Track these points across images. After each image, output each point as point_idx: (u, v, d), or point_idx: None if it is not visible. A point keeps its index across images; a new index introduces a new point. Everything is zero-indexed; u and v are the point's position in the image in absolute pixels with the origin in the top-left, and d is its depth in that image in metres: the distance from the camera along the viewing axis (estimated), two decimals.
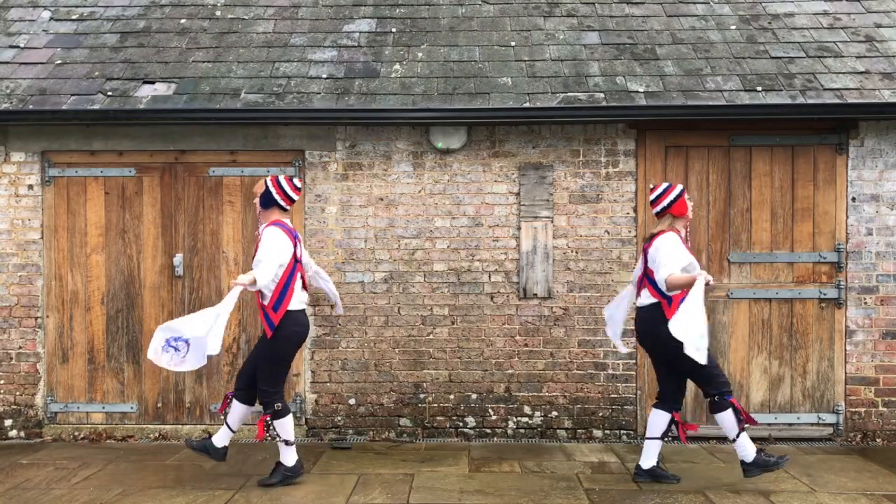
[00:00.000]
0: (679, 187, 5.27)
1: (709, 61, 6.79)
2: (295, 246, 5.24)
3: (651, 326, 5.26)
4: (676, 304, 5.09)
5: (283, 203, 5.27)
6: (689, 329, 4.83)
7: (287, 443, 5.31)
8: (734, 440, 5.22)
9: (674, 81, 6.56)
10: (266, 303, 5.18)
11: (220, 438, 5.45)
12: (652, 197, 5.33)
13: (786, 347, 6.63)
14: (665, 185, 5.34)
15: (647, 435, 5.42)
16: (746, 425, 5.19)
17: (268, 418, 5.25)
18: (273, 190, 5.24)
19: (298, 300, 5.27)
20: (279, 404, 5.25)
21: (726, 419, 5.18)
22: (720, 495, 5.16)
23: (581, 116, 6.47)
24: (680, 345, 4.87)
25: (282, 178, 5.29)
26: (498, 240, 6.69)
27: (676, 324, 4.87)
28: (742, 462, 5.23)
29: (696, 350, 4.84)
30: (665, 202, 5.25)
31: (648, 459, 5.42)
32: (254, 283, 5.01)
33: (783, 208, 6.64)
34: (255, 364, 5.35)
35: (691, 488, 5.29)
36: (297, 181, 5.35)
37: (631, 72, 6.70)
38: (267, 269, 5.04)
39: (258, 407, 5.39)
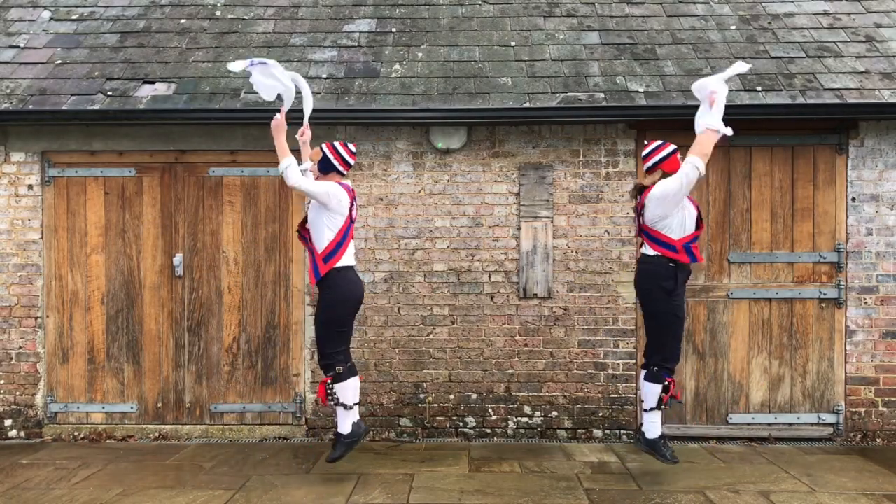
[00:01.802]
0: (671, 147, 5.32)
1: (709, 61, 6.79)
2: (351, 205, 5.30)
3: (648, 277, 5.34)
4: (682, 250, 5.21)
5: (340, 167, 5.37)
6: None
7: (346, 406, 5.30)
8: (646, 410, 5.38)
9: (674, 81, 6.57)
10: (319, 252, 5.23)
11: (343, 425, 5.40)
12: (644, 152, 5.41)
13: (786, 347, 6.63)
14: (658, 141, 5.38)
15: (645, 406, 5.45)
16: (664, 406, 5.34)
17: (329, 380, 5.28)
18: (330, 155, 5.35)
19: (350, 256, 5.32)
20: (340, 367, 5.26)
21: (651, 390, 5.33)
22: (720, 495, 5.16)
23: (581, 116, 6.47)
24: (662, 307, 5.20)
25: (337, 143, 5.41)
26: (498, 240, 6.69)
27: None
28: (642, 433, 5.45)
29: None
30: (657, 157, 5.30)
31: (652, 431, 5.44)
32: (285, 164, 5.12)
33: (783, 208, 6.64)
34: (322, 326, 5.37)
35: (691, 488, 5.29)
36: (352, 145, 5.45)
37: (631, 72, 6.70)
38: (299, 179, 5.13)
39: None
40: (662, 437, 5.43)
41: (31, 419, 6.74)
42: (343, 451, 5.39)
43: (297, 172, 5.16)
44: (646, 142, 5.51)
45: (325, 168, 5.39)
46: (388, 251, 6.69)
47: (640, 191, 5.40)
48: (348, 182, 5.44)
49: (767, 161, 6.65)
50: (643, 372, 5.46)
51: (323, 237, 5.24)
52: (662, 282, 5.23)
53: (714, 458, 6.06)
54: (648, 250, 5.35)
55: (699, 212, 5.36)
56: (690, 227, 5.28)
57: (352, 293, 5.34)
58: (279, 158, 5.20)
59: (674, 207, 5.18)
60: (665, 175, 5.26)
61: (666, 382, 5.29)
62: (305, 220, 5.42)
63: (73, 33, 7.27)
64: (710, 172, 6.64)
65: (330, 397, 5.28)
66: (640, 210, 5.37)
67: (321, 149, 5.40)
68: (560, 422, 6.64)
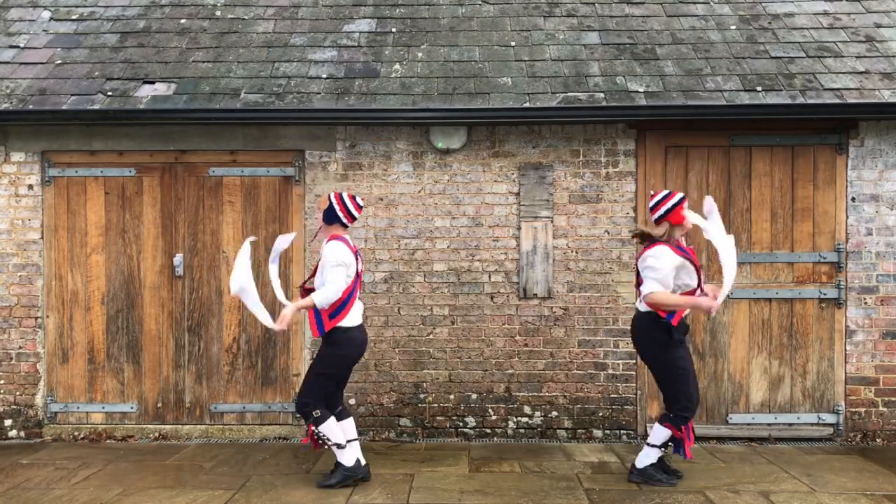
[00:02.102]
0: (678, 196, 5.15)
1: (709, 61, 6.79)
2: (357, 260, 5.21)
3: (640, 333, 5.28)
4: (677, 316, 5.09)
5: (344, 220, 5.26)
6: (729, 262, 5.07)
7: (339, 446, 5.24)
8: (649, 444, 5.31)
9: (674, 81, 6.57)
10: (325, 308, 5.11)
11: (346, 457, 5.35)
12: (651, 203, 5.23)
13: (786, 347, 6.63)
14: (665, 192, 5.22)
15: (649, 441, 5.37)
16: (664, 451, 5.30)
17: (312, 427, 5.19)
18: (337, 207, 5.23)
19: (357, 314, 5.23)
20: (317, 410, 5.15)
21: (661, 433, 5.25)
22: (720, 495, 5.16)
23: (581, 116, 6.47)
24: (663, 358, 5.12)
25: (345, 195, 5.27)
26: (498, 240, 6.69)
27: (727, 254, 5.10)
28: (633, 465, 5.42)
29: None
30: (662, 210, 5.14)
31: (644, 460, 5.39)
32: (311, 305, 5.07)
33: (783, 208, 6.64)
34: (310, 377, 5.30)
35: (691, 488, 5.29)
36: (360, 199, 5.33)
37: (631, 72, 6.70)
38: (331, 294, 5.04)
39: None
40: (653, 463, 5.35)
41: (31, 419, 6.74)
42: (339, 479, 5.28)
43: (324, 294, 5.02)
44: (651, 192, 5.39)
45: (329, 218, 5.26)
46: (388, 251, 6.69)
47: (643, 240, 5.25)
48: (348, 236, 5.30)
49: (767, 161, 6.65)
50: (659, 414, 5.39)
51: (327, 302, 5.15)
52: (657, 339, 5.15)
53: (714, 458, 6.06)
54: (641, 305, 5.23)
55: (697, 268, 5.17)
56: (690, 284, 5.14)
57: (355, 352, 5.27)
58: (305, 306, 5.14)
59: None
60: (671, 227, 5.13)
61: (680, 431, 5.19)
62: (312, 276, 5.30)
63: (73, 33, 7.27)
64: (711, 172, 6.65)
65: (320, 441, 5.23)
66: (637, 264, 5.27)
67: (328, 197, 5.28)
68: (560, 422, 6.64)
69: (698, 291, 5.13)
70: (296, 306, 5.14)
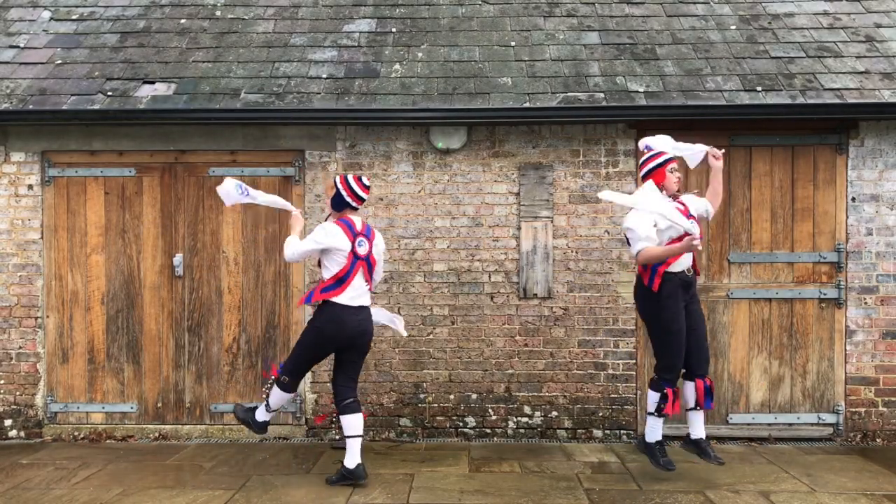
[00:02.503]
0: (664, 156, 5.30)
1: (709, 61, 6.79)
2: (353, 242, 5.23)
3: (636, 297, 5.46)
4: (649, 270, 5.20)
5: (353, 203, 5.32)
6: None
7: (268, 408, 5.47)
8: (648, 413, 5.41)
9: (674, 81, 6.57)
10: (322, 281, 5.31)
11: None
12: (641, 160, 5.43)
13: (786, 347, 6.63)
14: (653, 151, 5.36)
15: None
16: (665, 414, 5.34)
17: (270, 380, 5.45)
18: (343, 191, 5.29)
19: (351, 296, 5.24)
20: (285, 377, 5.36)
21: (651, 397, 5.36)
22: (720, 495, 5.16)
23: (581, 116, 6.47)
24: (652, 315, 5.25)
25: (350, 178, 5.32)
26: (498, 240, 6.69)
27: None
28: (641, 437, 5.54)
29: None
30: (647, 167, 5.32)
31: (697, 429, 5.45)
32: (288, 241, 5.32)
33: (783, 208, 6.64)
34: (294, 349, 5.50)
35: (691, 488, 5.29)
36: (365, 179, 5.37)
37: (631, 72, 6.70)
38: (288, 248, 5.29)
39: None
40: (660, 442, 5.41)
41: (31, 419, 6.74)
42: (338, 479, 5.38)
43: (291, 245, 5.28)
44: (641, 146, 5.50)
45: (337, 205, 5.33)
46: (388, 251, 6.68)
47: None
48: (356, 218, 5.34)
49: (767, 161, 6.65)
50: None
51: (327, 272, 5.29)
52: (648, 299, 5.28)
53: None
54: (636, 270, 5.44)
55: (686, 215, 5.18)
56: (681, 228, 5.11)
57: (336, 331, 5.24)
58: (285, 246, 5.32)
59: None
60: (655, 187, 5.22)
61: (664, 392, 5.27)
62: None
63: (73, 33, 7.27)
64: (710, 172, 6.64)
65: (265, 394, 5.45)
66: None
67: (334, 182, 5.34)
68: (560, 422, 6.64)
69: (688, 238, 5.08)
70: (294, 216, 5.45)
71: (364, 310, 5.33)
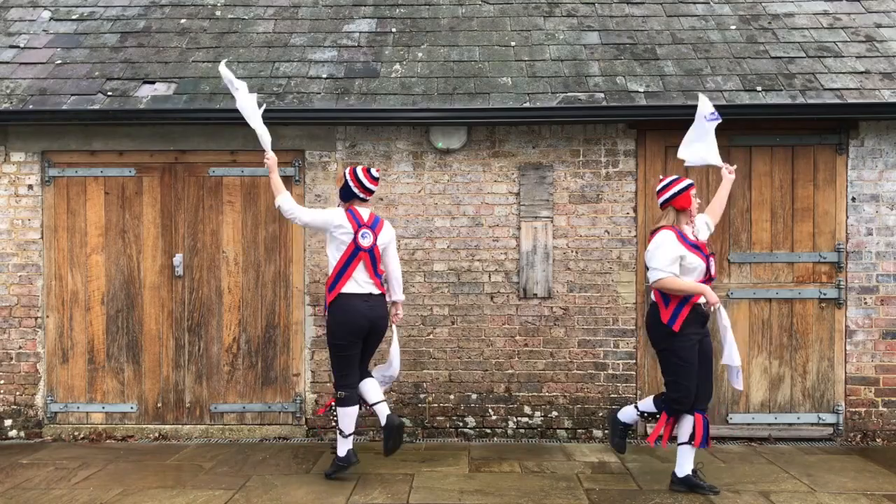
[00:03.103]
0: (686, 181, 5.14)
1: (709, 61, 6.79)
2: (356, 232, 5.30)
3: (648, 325, 5.27)
4: (672, 307, 5.03)
5: (361, 195, 5.41)
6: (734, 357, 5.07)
7: (341, 433, 5.41)
8: (683, 443, 5.20)
9: (674, 81, 6.57)
10: (328, 280, 5.39)
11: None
12: (658, 187, 5.22)
13: (786, 347, 6.63)
14: (673, 177, 5.20)
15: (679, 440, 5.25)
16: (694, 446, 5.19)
17: (332, 403, 5.49)
18: (351, 183, 5.38)
19: (357, 283, 5.32)
20: (342, 392, 5.38)
21: (689, 425, 5.16)
22: (720, 495, 5.15)
23: (581, 116, 6.47)
24: (666, 348, 5.09)
25: (359, 169, 5.41)
26: (498, 240, 6.69)
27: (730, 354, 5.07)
28: (673, 476, 5.27)
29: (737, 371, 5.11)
30: (668, 194, 5.12)
31: (682, 467, 5.25)
32: (280, 199, 5.42)
33: (783, 208, 6.64)
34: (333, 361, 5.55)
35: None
36: (374, 171, 5.46)
37: (631, 72, 6.70)
38: (280, 199, 5.40)
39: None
40: (694, 471, 5.27)
41: (31, 419, 6.74)
42: (333, 471, 5.49)
43: (290, 204, 5.39)
44: (660, 176, 5.33)
45: (346, 195, 5.42)
46: None
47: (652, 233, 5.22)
48: (364, 209, 5.43)
49: (767, 161, 6.65)
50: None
51: (329, 265, 5.39)
52: (661, 329, 5.10)
53: (714, 458, 6.05)
54: (652, 297, 5.22)
55: (708, 262, 5.10)
56: (694, 277, 5.07)
57: (353, 319, 5.31)
58: (275, 193, 5.44)
59: None
60: (677, 213, 5.11)
61: (662, 411, 5.18)
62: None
63: (73, 33, 7.27)
64: (711, 172, 6.63)
65: (330, 415, 5.44)
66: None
67: (343, 174, 5.43)
68: (560, 422, 6.64)
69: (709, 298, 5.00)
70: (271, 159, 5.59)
71: (374, 296, 5.40)
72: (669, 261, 4.98)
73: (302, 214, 5.40)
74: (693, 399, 5.10)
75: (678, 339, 5.05)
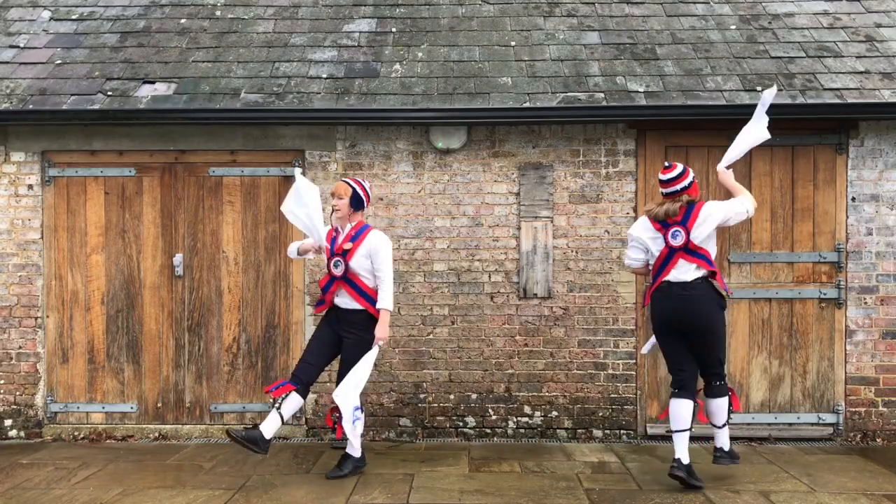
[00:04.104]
0: (692, 174, 5.32)
1: (709, 61, 6.79)
2: (332, 240, 5.54)
3: (704, 302, 5.17)
4: (720, 273, 5.29)
5: (367, 204, 5.62)
6: None
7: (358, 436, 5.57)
8: (721, 426, 5.36)
9: (674, 81, 6.57)
10: (369, 296, 5.42)
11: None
12: (669, 175, 5.22)
13: (786, 347, 6.63)
14: (681, 166, 5.27)
15: (674, 428, 5.27)
16: (732, 418, 5.42)
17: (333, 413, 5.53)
18: (360, 192, 5.52)
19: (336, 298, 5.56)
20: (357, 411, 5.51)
21: (721, 404, 5.32)
22: (720, 495, 5.16)
23: (581, 116, 6.47)
24: (721, 321, 5.22)
25: (364, 181, 5.62)
26: (498, 240, 6.69)
27: None
28: (720, 449, 5.40)
29: None
30: (685, 181, 5.22)
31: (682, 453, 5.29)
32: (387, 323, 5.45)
33: (783, 208, 6.64)
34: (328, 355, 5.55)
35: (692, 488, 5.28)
36: (367, 184, 5.70)
37: (631, 72, 6.70)
38: (391, 284, 5.46)
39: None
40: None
41: (31, 419, 6.74)
42: (349, 470, 5.54)
43: (389, 300, 5.42)
44: (666, 164, 5.32)
45: (357, 205, 5.52)
46: None
47: (674, 213, 5.20)
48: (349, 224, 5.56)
49: (767, 161, 6.65)
50: (705, 388, 5.36)
51: (371, 280, 5.49)
52: (720, 303, 5.24)
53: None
54: (693, 273, 5.17)
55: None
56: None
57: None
58: (385, 334, 5.46)
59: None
60: (690, 200, 5.24)
61: (730, 394, 5.33)
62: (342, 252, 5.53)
63: (73, 33, 7.27)
64: (711, 172, 6.63)
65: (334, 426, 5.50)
66: (688, 227, 5.17)
67: (350, 185, 5.50)
68: (560, 422, 6.64)
69: None
70: (384, 324, 5.44)
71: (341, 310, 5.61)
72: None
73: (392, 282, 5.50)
74: None
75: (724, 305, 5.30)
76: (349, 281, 5.40)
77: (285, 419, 5.38)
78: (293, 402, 5.40)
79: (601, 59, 6.87)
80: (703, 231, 5.19)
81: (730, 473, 5.59)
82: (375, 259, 5.38)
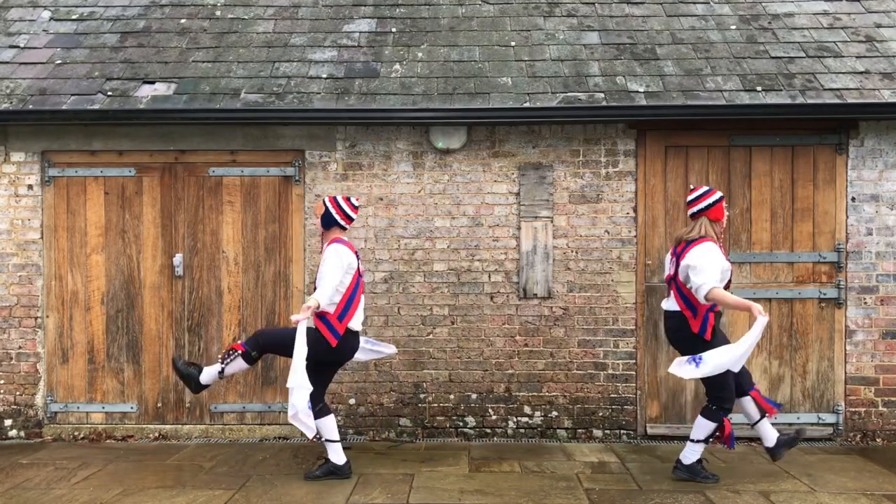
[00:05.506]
0: (718, 193, 5.31)
1: (709, 61, 6.79)
2: (358, 259, 5.36)
3: (675, 334, 5.37)
4: (701, 317, 5.16)
5: (342, 222, 5.40)
6: (725, 360, 4.99)
7: (330, 440, 5.44)
8: (693, 440, 5.36)
9: (674, 81, 6.57)
10: (332, 312, 5.23)
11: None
12: (690, 197, 5.35)
13: (786, 347, 6.63)
14: (706, 187, 5.36)
15: (693, 437, 5.37)
16: (710, 441, 5.35)
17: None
18: (333, 210, 5.37)
19: (358, 319, 5.38)
20: (320, 405, 5.37)
21: (705, 426, 5.29)
22: (720, 495, 5.16)
23: (581, 116, 6.47)
24: (701, 348, 5.11)
25: (339, 197, 5.43)
26: (498, 240, 6.69)
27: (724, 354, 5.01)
28: (679, 461, 5.42)
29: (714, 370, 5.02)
30: (703, 204, 5.26)
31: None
32: (317, 307, 5.11)
33: (783, 208, 6.64)
34: (285, 342, 5.24)
35: (691, 488, 5.28)
36: (355, 200, 5.50)
37: (631, 72, 6.70)
38: (327, 290, 5.12)
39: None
40: (700, 461, 5.43)
41: (31, 419, 6.74)
42: (323, 473, 5.48)
43: (322, 292, 5.11)
44: (692, 186, 5.46)
45: (327, 223, 5.39)
46: (388, 251, 6.69)
47: (688, 243, 5.25)
48: (345, 237, 5.44)
49: (767, 161, 6.65)
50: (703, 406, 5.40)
51: (332, 303, 5.23)
52: (693, 339, 5.23)
53: (714, 457, 6.04)
54: (671, 304, 5.32)
55: (731, 271, 5.37)
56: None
57: (347, 357, 5.45)
58: (309, 310, 5.08)
59: None
60: (710, 223, 5.24)
61: (722, 423, 5.28)
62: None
63: (73, 33, 7.27)
64: (711, 172, 6.65)
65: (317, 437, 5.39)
66: (679, 260, 5.25)
67: (323, 202, 5.41)
68: (560, 422, 6.64)
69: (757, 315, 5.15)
70: (305, 307, 5.10)
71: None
72: (718, 272, 5.11)
73: (326, 284, 5.14)
74: (734, 395, 5.30)
75: (710, 347, 5.14)
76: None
77: (224, 375, 5.37)
78: (238, 363, 5.36)
79: (601, 59, 6.87)
80: (685, 276, 5.23)
81: (730, 473, 5.59)
82: (320, 266, 5.25)
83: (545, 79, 6.64)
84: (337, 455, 5.49)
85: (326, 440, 5.46)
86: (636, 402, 6.63)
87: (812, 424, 6.61)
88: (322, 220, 5.40)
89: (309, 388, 5.06)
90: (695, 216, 5.32)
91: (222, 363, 5.35)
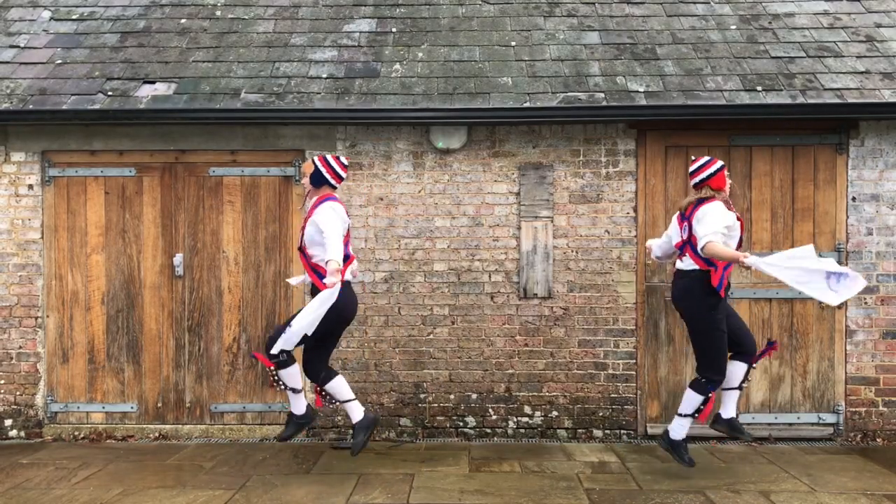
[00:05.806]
0: (720, 162, 5.34)
1: (709, 61, 6.79)
2: (348, 214, 5.46)
3: (685, 293, 5.36)
4: (720, 272, 5.21)
5: (332, 181, 5.43)
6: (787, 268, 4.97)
7: (294, 390, 5.45)
8: (680, 414, 5.44)
9: (674, 81, 6.57)
10: (319, 273, 5.27)
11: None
12: (692, 167, 5.39)
13: (786, 347, 6.63)
14: (707, 157, 5.39)
15: (725, 386, 5.46)
16: (696, 417, 5.43)
17: (272, 366, 5.32)
18: (322, 169, 5.40)
19: (350, 271, 5.42)
20: (284, 354, 5.28)
21: (693, 399, 5.37)
22: (720, 495, 5.16)
23: (581, 116, 6.47)
24: (706, 316, 5.21)
25: (329, 157, 5.47)
26: (498, 240, 6.69)
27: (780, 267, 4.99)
28: (666, 432, 5.52)
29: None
30: (705, 173, 5.29)
31: (727, 409, 5.53)
32: (338, 265, 4.98)
33: (783, 208, 6.64)
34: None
35: (691, 488, 5.29)
36: (344, 159, 5.54)
37: (631, 72, 6.69)
38: (337, 245, 5.06)
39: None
40: (685, 440, 5.48)
41: (32, 419, 6.74)
42: (293, 430, 5.59)
43: (332, 251, 5.01)
44: (693, 157, 5.50)
45: (317, 181, 5.42)
46: (389, 251, 6.69)
47: (696, 204, 5.32)
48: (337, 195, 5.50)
49: (768, 161, 6.65)
50: (692, 379, 5.48)
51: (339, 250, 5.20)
52: (707, 301, 5.24)
53: (714, 457, 6.06)
54: (688, 265, 5.32)
55: (741, 228, 5.39)
56: (731, 245, 5.28)
57: (351, 311, 5.44)
58: (335, 279, 4.98)
59: None
60: (714, 192, 5.27)
61: (708, 396, 5.32)
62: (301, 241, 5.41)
63: (74, 33, 7.27)
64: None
65: (276, 383, 5.39)
66: (690, 222, 5.30)
67: (313, 161, 5.44)
68: (560, 422, 6.64)
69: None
70: (332, 270, 4.96)
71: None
72: (721, 227, 5.14)
73: (331, 244, 5.06)
74: (725, 366, 5.39)
75: (721, 306, 5.26)
76: (303, 254, 5.37)
77: (289, 387, 5.42)
78: (285, 373, 5.38)
79: (601, 59, 6.87)
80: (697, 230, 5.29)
81: (730, 473, 5.59)
82: (319, 224, 5.15)
83: (545, 79, 6.64)
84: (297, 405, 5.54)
85: (343, 401, 5.51)
86: (636, 402, 6.63)
87: (812, 424, 6.61)
88: (311, 179, 5.42)
89: (300, 334, 5.09)
90: (697, 186, 5.36)
91: (279, 387, 5.42)
